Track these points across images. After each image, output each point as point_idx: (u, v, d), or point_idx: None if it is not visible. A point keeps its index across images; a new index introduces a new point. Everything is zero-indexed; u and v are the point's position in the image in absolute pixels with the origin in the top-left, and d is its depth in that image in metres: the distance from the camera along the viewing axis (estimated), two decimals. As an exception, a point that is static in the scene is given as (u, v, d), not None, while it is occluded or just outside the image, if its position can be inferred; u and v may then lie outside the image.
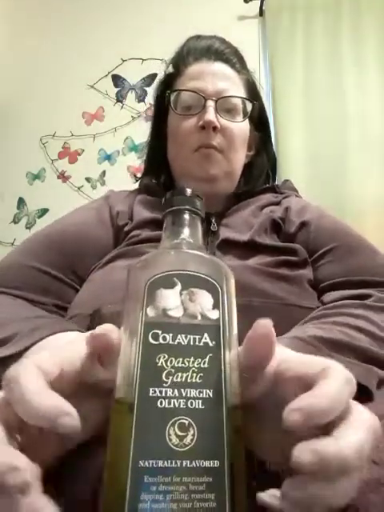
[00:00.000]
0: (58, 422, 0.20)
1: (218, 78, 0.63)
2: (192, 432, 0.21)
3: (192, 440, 0.21)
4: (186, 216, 0.30)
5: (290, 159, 1.41)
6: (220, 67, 0.64)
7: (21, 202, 1.69)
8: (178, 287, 0.24)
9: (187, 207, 0.30)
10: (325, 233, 0.58)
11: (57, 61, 1.81)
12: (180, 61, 0.67)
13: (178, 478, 0.20)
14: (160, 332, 0.22)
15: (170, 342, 0.22)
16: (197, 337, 0.23)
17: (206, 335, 0.23)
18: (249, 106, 0.65)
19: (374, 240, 0.59)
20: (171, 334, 0.22)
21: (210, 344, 0.23)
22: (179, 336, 0.22)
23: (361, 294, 0.48)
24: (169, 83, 0.68)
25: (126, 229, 0.59)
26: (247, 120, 0.66)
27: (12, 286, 0.50)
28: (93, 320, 0.44)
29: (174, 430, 0.21)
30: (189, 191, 0.30)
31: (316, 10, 1.56)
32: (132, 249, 0.54)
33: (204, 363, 0.22)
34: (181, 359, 0.22)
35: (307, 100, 1.47)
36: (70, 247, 0.57)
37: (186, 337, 0.23)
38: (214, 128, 0.60)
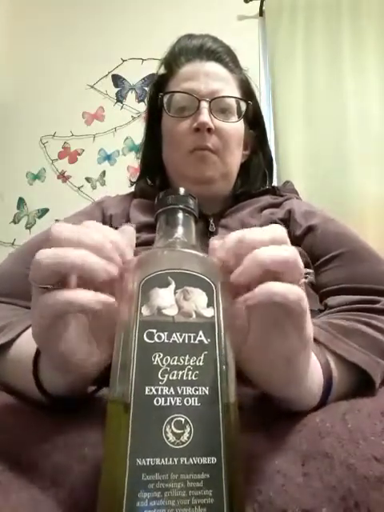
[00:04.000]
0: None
1: (211, 78, 0.61)
2: (188, 429, 0.21)
3: (189, 437, 0.21)
4: (180, 215, 0.29)
5: (289, 159, 1.40)
6: (213, 67, 0.63)
7: (21, 201, 1.69)
8: (173, 286, 0.24)
9: (180, 206, 0.29)
10: (331, 238, 0.58)
11: (57, 61, 1.81)
12: (172, 61, 0.66)
13: (176, 475, 0.20)
14: (155, 331, 0.22)
15: (165, 341, 0.22)
16: (192, 335, 0.23)
17: (201, 333, 0.23)
18: (243, 106, 0.64)
19: (374, 239, 0.59)
20: (166, 333, 0.23)
21: (205, 342, 0.23)
22: (174, 334, 0.23)
23: (369, 299, 0.48)
24: (161, 84, 0.67)
25: None
26: (242, 119, 0.64)
27: (4, 293, 0.50)
28: None
29: (171, 427, 0.21)
30: (182, 190, 0.30)
31: (316, 9, 1.56)
32: None
33: (199, 361, 0.22)
34: (176, 357, 0.22)
35: (307, 100, 1.46)
36: None
37: (180, 335, 0.23)
38: (209, 129, 0.59)
